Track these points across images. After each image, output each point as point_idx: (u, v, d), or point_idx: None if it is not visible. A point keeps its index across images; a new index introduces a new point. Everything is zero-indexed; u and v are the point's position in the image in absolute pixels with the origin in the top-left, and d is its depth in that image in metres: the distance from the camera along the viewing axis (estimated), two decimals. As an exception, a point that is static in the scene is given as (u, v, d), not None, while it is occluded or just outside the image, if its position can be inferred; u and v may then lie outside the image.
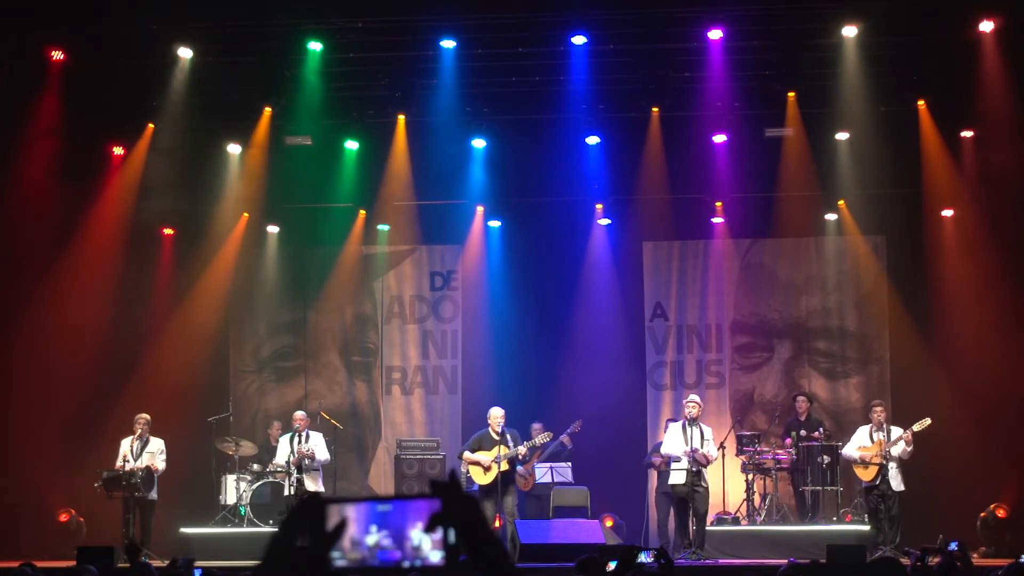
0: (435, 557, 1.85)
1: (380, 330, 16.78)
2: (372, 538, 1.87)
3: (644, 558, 5.22)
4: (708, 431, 13.10)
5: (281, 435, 14.14)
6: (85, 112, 14.02)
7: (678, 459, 12.83)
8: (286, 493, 13.40)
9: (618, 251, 16.36)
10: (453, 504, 1.85)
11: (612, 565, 5.29)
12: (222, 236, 16.03)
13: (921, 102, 14.11)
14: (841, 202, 15.81)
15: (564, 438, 14.83)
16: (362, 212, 16.31)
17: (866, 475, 13.06)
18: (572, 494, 14.10)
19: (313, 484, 13.41)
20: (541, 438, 13.83)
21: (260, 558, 1.94)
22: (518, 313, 16.17)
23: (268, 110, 14.43)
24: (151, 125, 14.53)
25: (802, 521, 13.84)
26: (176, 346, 15.59)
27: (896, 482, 12.85)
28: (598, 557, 5.18)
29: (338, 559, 1.87)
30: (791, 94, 13.97)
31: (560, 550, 11.38)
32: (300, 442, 13.40)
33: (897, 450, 12.88)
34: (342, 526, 1.87)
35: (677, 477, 12.86)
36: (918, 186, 14.93)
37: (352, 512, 1.88)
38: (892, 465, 12.88)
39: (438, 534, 1.85)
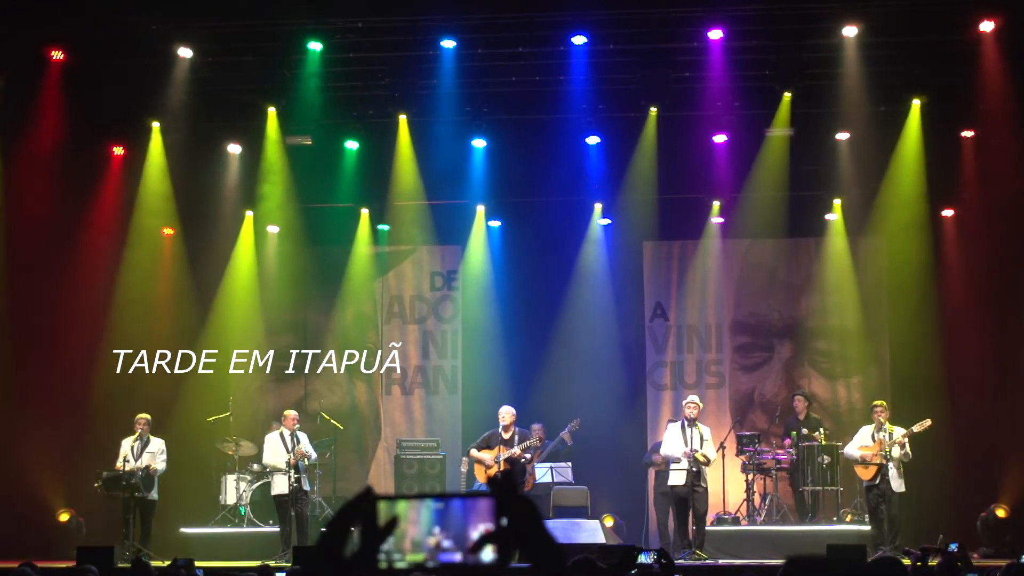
0: (487, 556, 1.81)
1: (380, 330, 16.77)
2: (433, 539, 1.83)
3: (644, 559, 5.21)
4: (707, 431, 13.14)
5: (268, 435, 13.92)
6: (85, 112, 14.03)
7: (678, 460, 12.86)
8: (279, 492, 13.34)
9: (618, 251, 16.34)
10: (508, 504, 1.82)
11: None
12: (222, 236, 16.03)
13: (916, 102, 14.10)
14: (841, 202, 15.80)
15: (564, 434, 14.84)
16: (362, 212, 16.32)
17: (866, 474, 13.08)
18: (572, 494, 14.09)
19: (306, 482, 13.40)
20: (533, 440, 13.80)
21: (311, 556, 1.91)
22: (518, 313, 16.16)
23: (272, 110, 14.44)
24: (155, 125, 14.56)
25: (802, 521, 13.85)
26: (176, 346, 15.58)
27: (896, 483, 12.85)
28: (594, 558, 5.17)
29: (398, 560, 1.84)
30: (787, 95, 13.97)
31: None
32: (296, 443, 13.38)
33: (895, 452, 12.89)
34: (393, 524, 1.84)
35: (677, 478, 12.89)
36: (918, 186, 14.91)
37: (410, 511, 1.85)
38: (891, 465, 12.88)
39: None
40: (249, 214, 16.16)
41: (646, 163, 15.09)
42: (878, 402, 13.57)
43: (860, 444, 13.22)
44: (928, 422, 12.94)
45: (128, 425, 13.50)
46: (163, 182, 15.08)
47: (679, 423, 13.13)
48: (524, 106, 14.62)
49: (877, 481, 12.90)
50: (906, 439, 12.92)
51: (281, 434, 13.46)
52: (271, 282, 16.54)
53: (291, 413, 13.73)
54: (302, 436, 13.62)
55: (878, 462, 12.91)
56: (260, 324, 16.58)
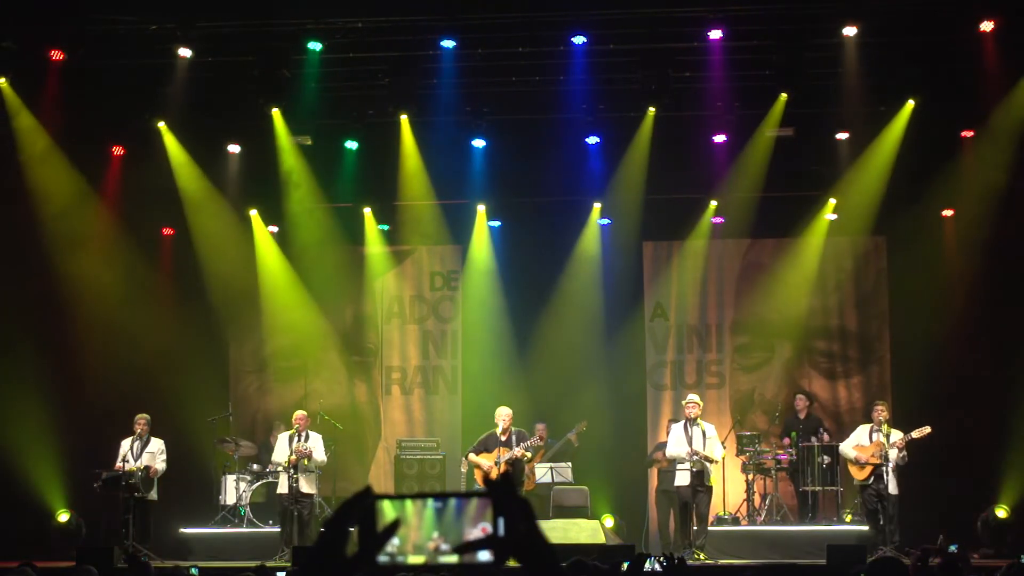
0: (483, 556, 1.82)
1: (380, 330, 16.77)
2: (433, 541, 1.84)
3: (651, 564, 5.21)
4: (711, 428, 13.15)
5: (280, 434, 14.09)
6: (85, 112, 14.02)
7: (683, 461, 12.88)
8: (280, 491, 13.37)
9: (618, 251, 16.33)
10: (505, 504, 1.83)
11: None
12: (222, 236, 16.02)
13: (910, 102, 14.08)
14: (841, 202, 15.78)
15: (571, 436, 14.87)
16: (362, 212, 16.31)
17: (859, 474, 13.10)
18: (572, 494, 14.10)
19: (308, 486, 13.38)
20: (534, 440, 13.78)
21: (310, 555, 1.91)
22: (518, 313, 16.17)
23: (276, 110, 14.44)
24: (161, 125, 14.57)
25: (802, 521, 13.85)
26: (176, 346, 15.58)
27: (892, 485, 12.86)
28: (588, 560, 5.17)
29: (400, 561, 1.85)
30: (783, 95, 13.95)
31: (560, 550, 11.37)
32: (300, 441, 13.38)
33: (892, 455, 12.90)
34: (396, 526, 1.85)
35: (681, 479, 12.91)
36: (918, 186, 14.91)
37: (411, 512, 1.85)
38: (888, 467, 12.88)
39: (499, 532, 1.82)
40: (253, 213, 16.17)
41: (646, 163, 15.07)
42: (879, 402, 13.58)
43: (856, 443, 13.23)
44: (927, 429, 12.93)
45: (128, 425, 13.50)
46: (169, 180, 15.07)
47: (681, 423, 13.16)
48: (524, 106, 14.60)
49: (871, 481, 12.93)
50: (904, 444, 12.93)
51: (291, 434, 13.50)
52: (271, 282, 16.53)
53: (299, 413, 13.76)
54: (316, 438, 13.62)
55: (874, 463, 12.92)
56: (261, 323, 16.59)
